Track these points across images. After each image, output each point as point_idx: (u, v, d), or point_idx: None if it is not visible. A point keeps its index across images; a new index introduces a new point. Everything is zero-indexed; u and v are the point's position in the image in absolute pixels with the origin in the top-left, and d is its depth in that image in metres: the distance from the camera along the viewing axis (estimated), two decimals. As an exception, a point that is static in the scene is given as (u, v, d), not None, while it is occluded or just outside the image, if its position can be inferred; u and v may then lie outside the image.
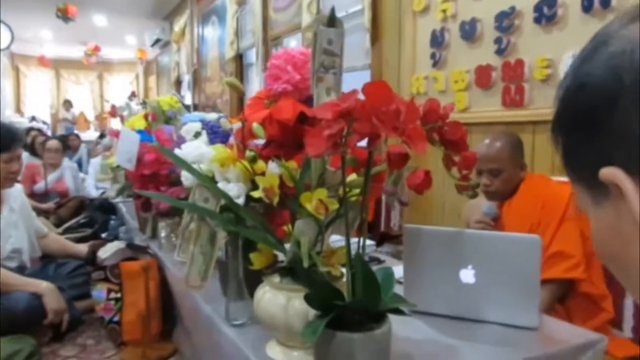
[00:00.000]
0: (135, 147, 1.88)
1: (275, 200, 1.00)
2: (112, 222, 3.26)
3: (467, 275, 1.21)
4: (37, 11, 7.98)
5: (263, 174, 1.07)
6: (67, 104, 11.21)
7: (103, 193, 4.14)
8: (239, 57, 5.71)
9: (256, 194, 1.01)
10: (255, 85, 5.31)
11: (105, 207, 3.72)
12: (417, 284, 1.25)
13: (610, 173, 0.36)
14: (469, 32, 2.38)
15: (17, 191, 2.15)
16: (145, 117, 1.96)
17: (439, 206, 2.70)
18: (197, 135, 1.70)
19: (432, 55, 2.64)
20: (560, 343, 1.12)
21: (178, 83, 8.14)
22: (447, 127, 0.88)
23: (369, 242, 1.96)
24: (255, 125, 0.98)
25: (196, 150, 1.10)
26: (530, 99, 2.16)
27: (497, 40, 2.27)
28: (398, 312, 0.92)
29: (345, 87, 1.40)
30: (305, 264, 0.90)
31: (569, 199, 1.58)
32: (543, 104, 2.11)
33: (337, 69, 0.98)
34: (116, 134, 2.19)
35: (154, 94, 11.42)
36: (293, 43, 4.79)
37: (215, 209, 1.01)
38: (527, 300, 1.17)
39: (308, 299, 0.88)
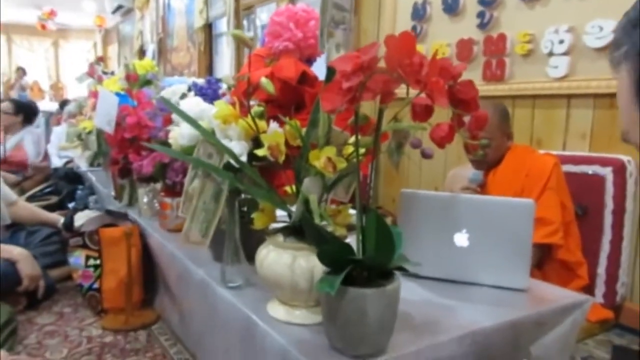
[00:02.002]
0: (115, 109, 1.81)
1: (281, 158, 0.99)
2: (79, 192, 3.15)
3: (461, 238, 1.23)
4: (-12, -30, 7.50)
5: (264, 133, 1.05)
6: (21, 72, 10.66)
7: (67, 162, 3.98)
8: (209, 27, 5.54)
9: (261, 152, 0.99)
10: (225, 56, 5.19)
11: (71, 177, 3.59)
12: (411, 247, 1.26)
13: None
14: (452, 5, 2.39)
15: (-17, 155, 2.04)
16: (127, 78, 1.88)
17: (415, 178, 2.74)
18: (182, 97, 1.65)
19: (413, 28, 2.64)
20: (550, 303, 1.16)
21: (142, 53, 7.85)
22: (459, 86, 0.88)
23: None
24: (264, 80, 0.95)
25: (197, 106, 1.06)
26: (511, 74, 2.20)
27: (480, 14, 2.28)
28: (402, 270, 0.93)
29: (321, 59, 1.39)
30: (317, 220, 0.90)
31: (551, 170, 1.62)
32: (523, 79, 2.15)
33: (348, 25, 0.96)
34: (95, 95, 2.10)
35: (113, 64, 10.97)
36: (265, 14, 4.68)
37: (219, 167, 0.99)
38: (518, 262, 1.20)
39: (320, 255, 0.87)
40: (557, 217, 1.61)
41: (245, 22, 4.81)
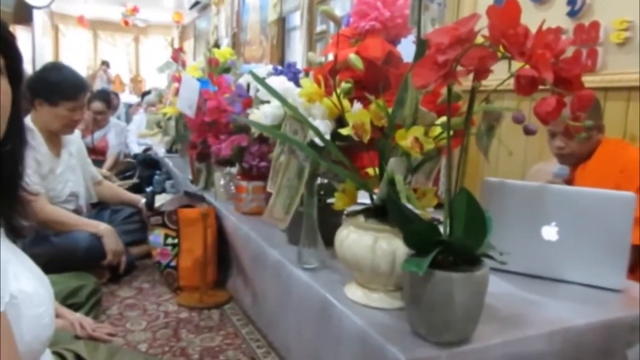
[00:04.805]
0: (196, 94, 1.86)
1: (366, 137, 0.97)
2: (156, 177, 3.29)
3: (550, 232, 1.16)
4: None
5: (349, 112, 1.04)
6: (105, 65, 11.31)
7: (146, 150, 4.17)
8: (282, 21, 5.62)
9: (345, 131, 0.98)
10: (297, 50, 5.23)
11: (149, 163, 3.76)
12: (494, 239, 1.20)
13: None
14: (539, -8, 2.27)
15: (75, 137, 2.16)
16: (209, 62, 1.94)
17: (490, 173, 2.62)
18: (262, 82, 1.66)
19: (495, 18, 2.52)
20: (650, 306, 1.07)
21: (216, 47, 8.09)
22: (562, 63, 0.82)
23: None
24: (352, 55, 0.94)
25: (282, 84, 1.06)
26: (604, 64, 2.05)
27: (571, 1, 2.15)
28: (489, 258, 0.89)
29: (405, 41, 1.35)
30: (403, 200, 0.87)
31: (650, 166, 1.50)
32: (617, 69, 2.00)
33: (442, 0, 0.92)
34: (178, 79, 2.18)
35: (188, 59, 11.40)
36: (339, 8, 4.67)
37: (304, 143, 0.98)
38: (613, 260, 1.12)
39: (406, 236, 0.84)
40: (656, 217, 1.49)
41: (318, 16, 4.82)
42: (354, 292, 1.03)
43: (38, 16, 8.86)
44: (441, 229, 0.86)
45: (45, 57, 9.57)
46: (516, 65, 0.75)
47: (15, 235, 0.79)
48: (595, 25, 2.05)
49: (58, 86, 1.93)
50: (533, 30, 0.75)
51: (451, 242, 0.81)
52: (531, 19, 0.68)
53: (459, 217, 0.83)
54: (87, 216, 2.15)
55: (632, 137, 1.97)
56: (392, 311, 0.98)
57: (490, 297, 0.98)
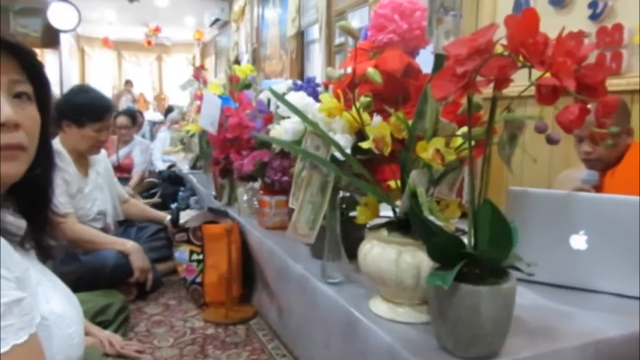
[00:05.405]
0: (218, 111, 1.89)
1: (387, 150, 0.96)
2: (181, 193, 3.33)
3: (579, 241, 1.14)
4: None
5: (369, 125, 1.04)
6: (129, 84, 11.56)
7: (170, 166, 4.23)
8: (301, 35, 5.67)
9: (365, 145, 0.98)
10: (316, 63, 5.26)
11: (173, 179, 3.81)
12: (521, 249, 1.18)
13: None
14: (559, -3, 2.24)
15: (102, 156, 2.21)
16: (231, 79, 1.97)
17: (515, 182, 2.58)
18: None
19: (514, 24, 2.50)
20: (687, 315, 1.03)
21: (237, 63, 8.20)
22: (584, 70, 0.81)
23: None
24: (370, 69, 0.94)
25: (302, 100, 1.07)
26: (629, 67, 2.01)
27: (592, 5, 2.12)
28: (516, 269, 0.87)
29: (423, 52, 1.34)
30: (426, 213, 0.86)
31: (682, 169, 1.46)
32: (643, 72, 1.96)
33: (457, 12, 0.92)
34: (200, 97, 2.21)
35: (210, 75, 11.57)
36: (357, 20, 4.69)
37: (326, 158, 0.98)
38: (647, 269, 1.08)
39: (430, 249, 0.84)
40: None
41: (337, 28, 4.85)
42: (379, 306, 1.02)
43: (65, 39, 9.13)
44: (465, 240, 0.85)
45: (72, 78, 9.83)
46: (537, 73, 0.74)
47: (45, 256, 0.81)
48: (618, 28, 2.02)
49: (84, 108, 1.98)
50: (554, 36, 0.74)
51: (476, 255, 0.80)
52: (552, 24, 0.68)
53: (483, 228, 0.82)
54: (114, 234, 2.18)
55: (662, 141, 1.92)
56: (419, 325, 0.96)
57: (518, 309, 0.96)
